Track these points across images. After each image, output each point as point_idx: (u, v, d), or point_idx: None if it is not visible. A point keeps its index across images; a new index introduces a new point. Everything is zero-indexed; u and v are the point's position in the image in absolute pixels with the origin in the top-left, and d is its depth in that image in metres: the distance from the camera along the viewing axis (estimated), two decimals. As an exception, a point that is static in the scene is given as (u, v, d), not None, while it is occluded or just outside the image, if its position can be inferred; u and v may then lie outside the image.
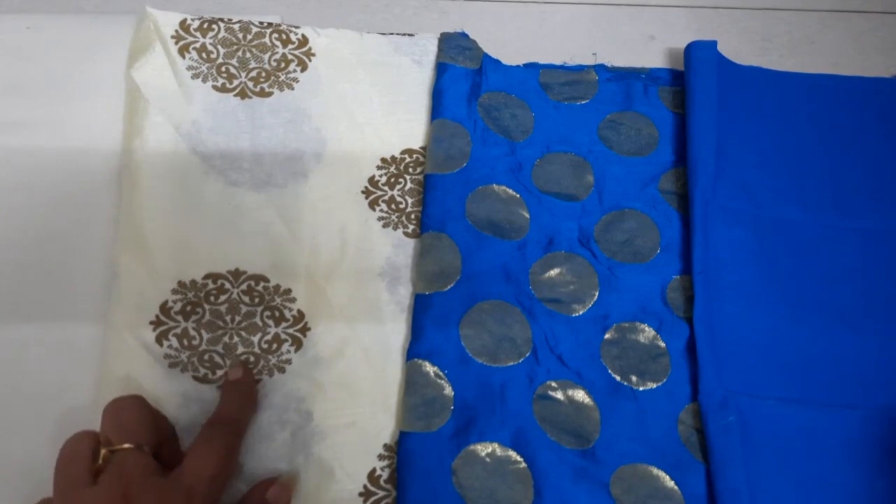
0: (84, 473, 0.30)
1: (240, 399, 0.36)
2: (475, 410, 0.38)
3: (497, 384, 0.38)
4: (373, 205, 0.43)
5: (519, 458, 0.37)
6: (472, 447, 0.37)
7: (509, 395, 0.38)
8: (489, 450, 0.37)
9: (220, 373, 0.38)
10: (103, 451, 0.31)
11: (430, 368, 0.38)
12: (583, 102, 0.48)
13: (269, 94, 0.45)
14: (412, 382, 0.38)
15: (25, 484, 0.36)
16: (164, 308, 0.39)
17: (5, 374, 0.38)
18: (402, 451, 0.36)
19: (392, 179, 0.44)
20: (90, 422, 0.36)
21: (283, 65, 0.46)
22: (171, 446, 0.35)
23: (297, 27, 0.47)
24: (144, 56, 0.44)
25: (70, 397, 0.37)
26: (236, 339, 0.39)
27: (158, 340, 0.38)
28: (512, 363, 0.39)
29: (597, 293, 0.42)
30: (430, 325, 0.39)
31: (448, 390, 0.38)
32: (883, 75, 0.50)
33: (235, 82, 0.45)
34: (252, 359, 0.39)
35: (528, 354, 0.40)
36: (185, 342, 0.38)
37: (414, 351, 0.39)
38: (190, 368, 0.38)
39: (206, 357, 0.38)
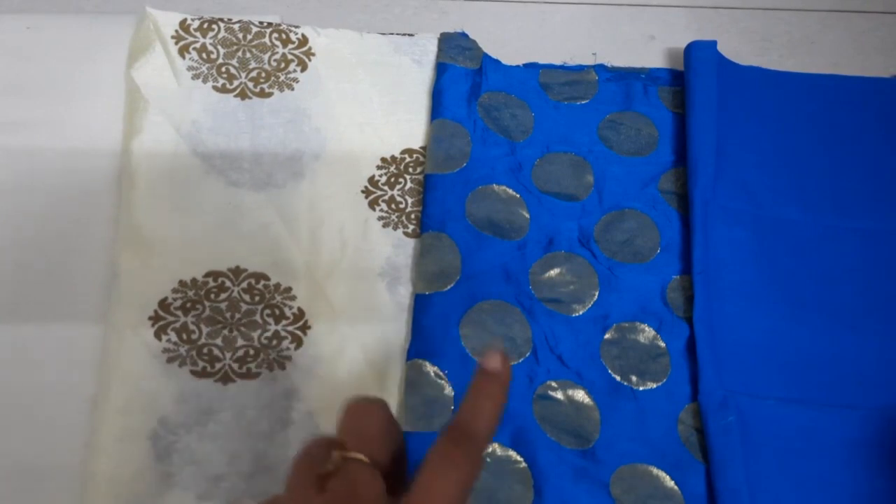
0: (314, 478, 0.26)
1: (492, 406, 0.29)
2: None
3: None
4: (373, 204, 0.43)
5: (519, 458, 0.37)
6: None
7: (509, 395, 0.38)
8: (489, 450, 0.37)
9: (218, 366, 0.38)
10: (336, 454, 0.26)
11: (430, 368, 0.38)
12: (583, 102, 0.48)
13: (269, 95, 0.45)
14: (412, 383, 0.38)
15: (25, 483, 0.36)
16: (164, 304, 0.39)
17: (5, 374, 0.38)
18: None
19: (392, 179, 0.44)
20: (90, 422, 0.36)
21: (283, 65, 0.46)
22: (399, 463, 0.29)
23: (297, 27, 0.47)
24: (144, 56, 0.44)
25: (70, 397, 0.37)
26: (236, 332, 0.39)
27: (157, 335, 0.38)
28: (512, 363, 0.39)
29: (597, 293, 0.42)
30: (429, 325, 0.39)
31: (448, 390, 0.38)
32: (883, 75, 0.50)
33: (235, 83, 0.45)
34: (252, 352, 0.39)
35: (528, 354, 0.40)
36: (184, 336, 0.38)
37: (414, 351, 0.39)
38: (188, 362, 0.38)
39: (204, 350, 0.38)
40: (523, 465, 0.37)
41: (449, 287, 0.40)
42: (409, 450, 0.36)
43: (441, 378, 0.38)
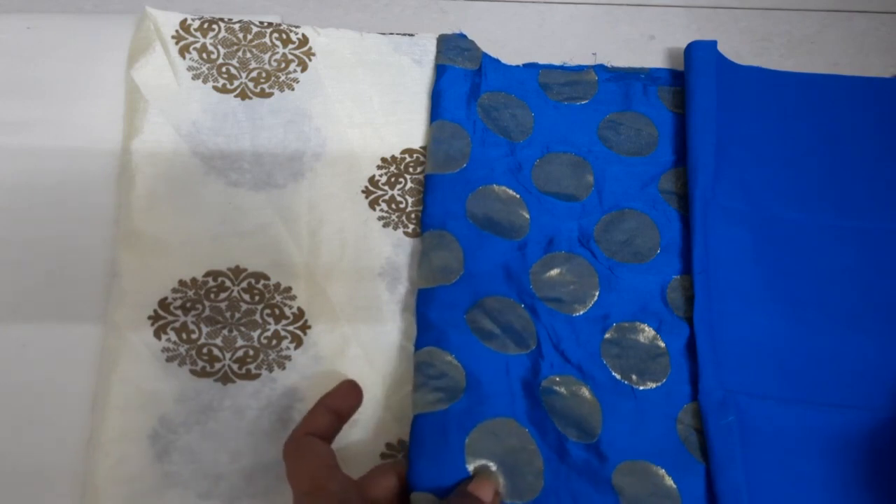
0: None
1: None
2: (488, 391, 0.36)
3: (508, 370, 0.38)
4: (373, 204, 0.43)
5: (531, 438, 0.36)
6: (489, 421, 0.35)
7: (519, 382, 0.38)
8: (507, 425, 0.36)
9: (218, 366, 0.38)
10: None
11: (440, 353, 0.37)
12: (582, 102, 0.48)
13: (270, 95, 0.45)
14: (423, 367, 0.37)
15: (25, 483, 0.36)
16: (164, 303, 0.39)
17: (5, 374, 0.38)
18: (415, 430, 0.35)
19: (392, 179, 0.44)
20: (90, 421, 0.36)
21: (283, 65, 0.46)
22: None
23: (297, 27, 0.47)
24: (144, 56, 0.44)
25: (70, 397, 0.37)
26: (235, 332, 0.39)
27: (157, 335, 0.38)
28: (522, 352, 0.39)
29: (597, 293, 0.42)
30: (436, 317, 0.38)
31: (460, 371, 0.37)
32: (883, 75, 0.51)
33: (236, 83, 0.45)
34: (251, 353, 0.39)
35: (533, 347, 0.39)
36: (184, 336, 0.38)
37: (422, 341, 0.38)
38: (188, 362, 0.38)
39: (204, 350, 0.38)
40: (533, 446, 0.36)
41: (453, 281, 0.40)
42: (421, 429, 0.35)
43: (452, 360, 0.37)
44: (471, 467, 0.34)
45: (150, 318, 0.38)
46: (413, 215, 0.43)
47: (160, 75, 0.44)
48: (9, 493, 0.36)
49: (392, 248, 0.42)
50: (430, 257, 0.41)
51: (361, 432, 0.38)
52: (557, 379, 0.39)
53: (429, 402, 0.36)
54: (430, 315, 0.39)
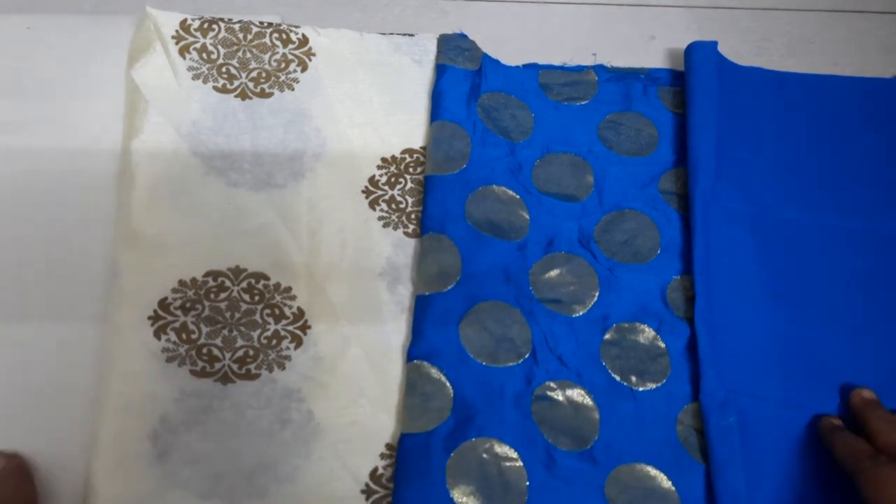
0: None
1: None
2: (474, 408, 0.38)
3: (496, 384, 0.38)
4: (373, 204, 0.43)
5: (515, 456, 0.37)
6: (469, 442, 0.36)
7: (508, 395, 0.38)
8: (487, 445, 0.37)
9: (217, 366, 0.38)
10: None
11: (429, 369, 0.38)
12: (582, 103, 0.48)
13: (270, 95, 0.45)
14: (412, 384, 0.38)
15: (25, 483, 0.36)
16: (164, 304, 0.39)
17: (5, 373, 0.38)
18: (400, 451, 0.36)
19: (392, 179, 0.44)
20: (89, 421, 0.36)
21: (283, 65, 0.46)
22: None
23: (297, 27, 0.47)
24: (145, 56, 0.44)
25: (70, 397, 0.37)
26: (235, 332, 0.39)
27: (157, 335, 0.38)
28: (512, 363, 0.39)
29: (597, 294, 0.42)
30: (429, 326, 0.39)
31: (448, 390, 0.38)
32: (883, 75, 0.51)
33: (236, 83, 0.45)
34: (251, 353, 0.39)
35: (527, 355, 0.40)
36: (184, 336, 0.38)
37: (414, 352, 0.39)
38: (188, 362, 0.38)
39: (204, 350, 0.38)
40: (519, 463, 0.37)
41: (449, 287, 0.40)
42: (406, 450, 0.36)
43: (441, 378, 0.38)
44: (452, 490, 0.35)
45: (150, 318, 0.38)
46: (413, 215, 0.43)
47: (160, 75, 0.44)
48: (9, 493, 0.36)
49: (392, 248, 0.42)
50: (427, 262, 0.41)
51: (361, 432, 0.38)
52: (553, 384, 0.39)
53: (415, 422, 0.37)
54: (424, 324, 0.39)
